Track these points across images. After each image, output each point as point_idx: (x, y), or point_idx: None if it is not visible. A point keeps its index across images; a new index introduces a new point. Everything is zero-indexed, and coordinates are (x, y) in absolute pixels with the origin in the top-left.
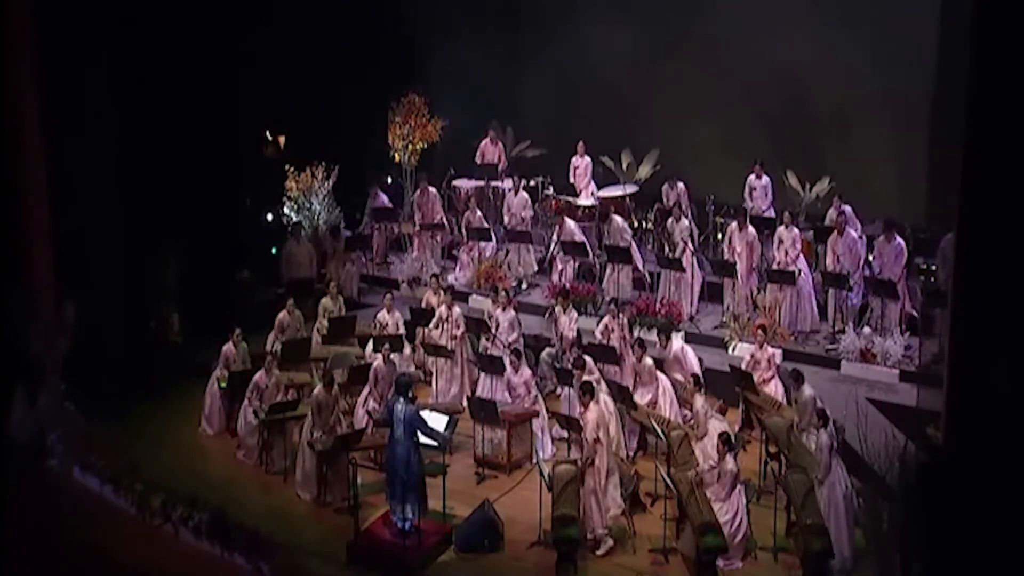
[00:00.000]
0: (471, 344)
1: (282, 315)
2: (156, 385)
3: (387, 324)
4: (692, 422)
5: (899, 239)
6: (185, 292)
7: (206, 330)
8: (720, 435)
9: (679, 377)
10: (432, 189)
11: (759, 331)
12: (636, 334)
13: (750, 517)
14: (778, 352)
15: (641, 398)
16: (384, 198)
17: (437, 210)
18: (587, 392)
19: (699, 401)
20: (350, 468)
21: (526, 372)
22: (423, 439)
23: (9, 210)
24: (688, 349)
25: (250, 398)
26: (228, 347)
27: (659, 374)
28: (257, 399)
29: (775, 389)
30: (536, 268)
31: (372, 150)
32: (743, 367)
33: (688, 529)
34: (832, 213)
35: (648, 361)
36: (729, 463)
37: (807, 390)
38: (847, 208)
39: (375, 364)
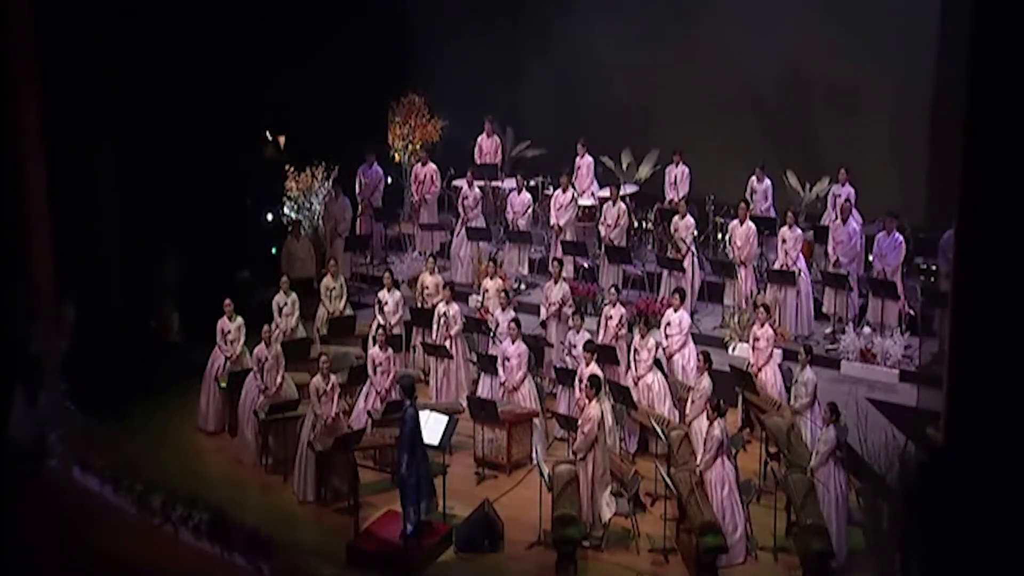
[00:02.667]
0: (468, 344)
1: (278, 297)
2: (156, 385)
3: (386, 302)
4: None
5: (898, 234)
6: (185, 292)
7: (206, 330)
8: (709, 400)
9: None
10: (433, 165)
11: (761, 309)
12: (635, 332)
13: (748, 512)
14: (778, 352)
15: (637, 368)
16: (379, 169)
17: (436, 182)
18: (594, 386)
19: (706, 381)
20: (350, 469)
21: (522, 345)
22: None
23: (9, 210)
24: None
25: (254, 373)
26: (223, 321)
27: (660, 360)
28: (259, 374)
29: (773, 373)
30: (526, 269)
31: (372, 150)
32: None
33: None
34: (836, 188)
35: (651, 341)
36: (716, 429)
37: (808, 371)
38: (851, 192)
39: (371, 352)
